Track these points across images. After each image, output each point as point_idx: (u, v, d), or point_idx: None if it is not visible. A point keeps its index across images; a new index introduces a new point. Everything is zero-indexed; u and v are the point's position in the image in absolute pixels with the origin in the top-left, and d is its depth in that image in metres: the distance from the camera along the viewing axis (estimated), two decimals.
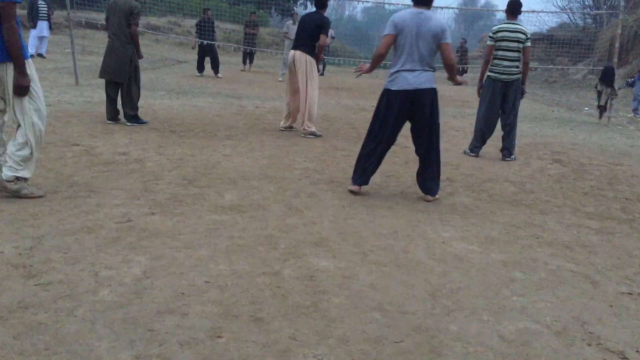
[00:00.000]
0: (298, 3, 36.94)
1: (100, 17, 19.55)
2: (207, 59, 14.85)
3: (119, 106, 6.92)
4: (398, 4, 15.34)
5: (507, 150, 6.63)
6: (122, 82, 6.73)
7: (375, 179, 4.87)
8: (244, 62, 18.00)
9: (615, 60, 11.14)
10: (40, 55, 14.94)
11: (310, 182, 4.87)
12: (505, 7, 6.62)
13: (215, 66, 14.82)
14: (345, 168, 5.46)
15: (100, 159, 5.09)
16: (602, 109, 11.02)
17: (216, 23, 16.62)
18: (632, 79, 15.71)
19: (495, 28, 6.62)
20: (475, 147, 6.72)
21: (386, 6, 30.91)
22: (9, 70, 3.56)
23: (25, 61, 3.59)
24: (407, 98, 4.39)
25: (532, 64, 9.33)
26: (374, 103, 4.76)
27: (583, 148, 7.87)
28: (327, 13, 7.32)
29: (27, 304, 2.43)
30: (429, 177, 4.60)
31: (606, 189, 5.53)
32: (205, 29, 15.03)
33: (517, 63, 6.46)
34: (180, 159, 5.35)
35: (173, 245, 3.22)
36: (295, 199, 4.35)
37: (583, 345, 2.47)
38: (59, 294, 2.55)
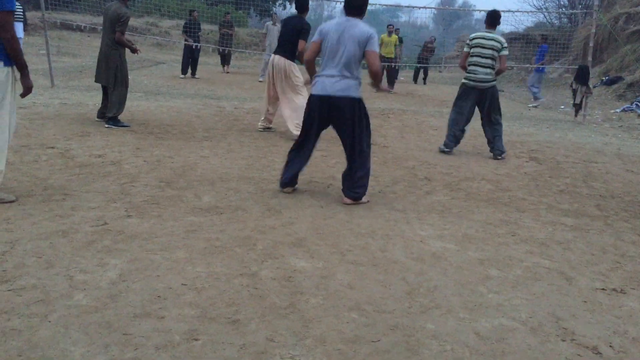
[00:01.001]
0: (277, 3, 36.87)
1: (75, 18, 19.36)
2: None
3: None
4: (376, 5, 15.43)
5: (498, 150, 6.75)
6: (107, 85, 6.86)
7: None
8: (222, 64, 17.46)
9: (590, 59, 11.31)
10: None
11: None
12: (485, 18, 6.81)
13: (194, 67, 14.73)
14: (324, 168, 5.47)
15: (75, 161, 5.03)
16: (577, 107, 11.21)
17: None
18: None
19: (472, 35, 6.85)
20: (448, 144, 6.78)
21: None
22: None
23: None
24: (323, 104, 4.29)
25: (508, 63, 9.47)
26: None
27: (559, 146, 7.98)
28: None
29: (0, 310, 2.40)
30: (349, 185, 4.39)
31: (581, 186, 5.61)
32: (192, 30, 14.93)
33: (489, 70, 6.56)
34: (158, 160, 5.30)
35: (150, 248, 3.19)
36: (274, 199, 4.34)
37: (557, 341, 2.51)
38: (32, 298, 2.52)
